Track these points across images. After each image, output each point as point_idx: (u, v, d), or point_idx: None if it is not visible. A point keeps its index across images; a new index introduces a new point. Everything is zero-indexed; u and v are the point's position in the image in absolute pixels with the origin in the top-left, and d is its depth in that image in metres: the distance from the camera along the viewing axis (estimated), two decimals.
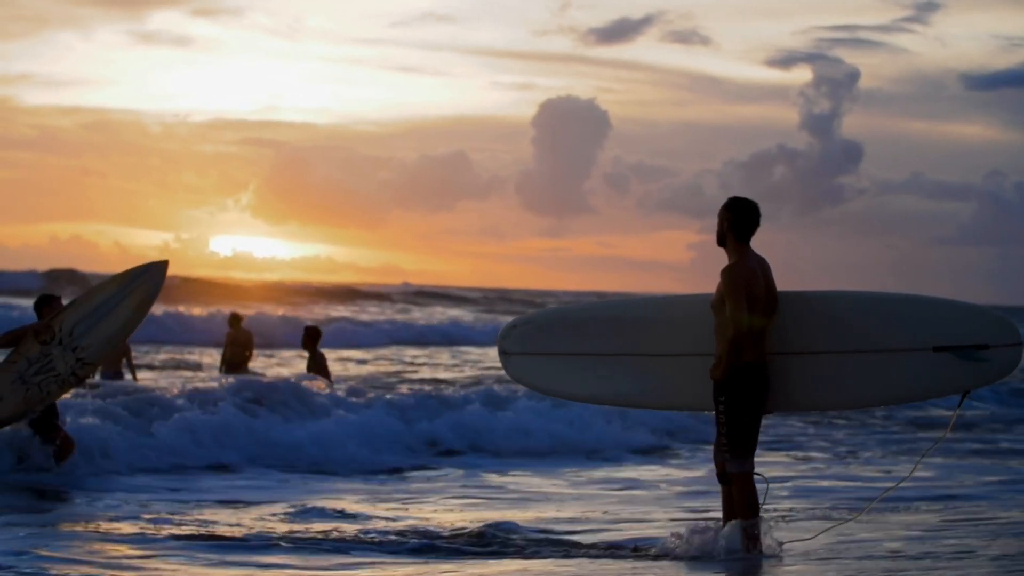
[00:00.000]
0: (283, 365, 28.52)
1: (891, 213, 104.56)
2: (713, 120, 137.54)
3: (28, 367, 11.10)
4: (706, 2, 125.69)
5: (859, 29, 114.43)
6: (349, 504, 10.42)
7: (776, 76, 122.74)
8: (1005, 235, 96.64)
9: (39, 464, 11.36)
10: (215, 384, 15.82)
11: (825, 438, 17.48)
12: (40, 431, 11.36)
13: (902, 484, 8.58)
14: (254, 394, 15.21)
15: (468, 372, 28.50)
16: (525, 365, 8.12)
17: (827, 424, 18.90)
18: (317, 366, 16.44)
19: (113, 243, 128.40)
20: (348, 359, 31.95)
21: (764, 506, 7.45)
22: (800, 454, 15.50)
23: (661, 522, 9.52)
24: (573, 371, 7.98)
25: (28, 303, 13.13)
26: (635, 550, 7.97)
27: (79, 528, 8.84)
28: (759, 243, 7.50)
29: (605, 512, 10.23)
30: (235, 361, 20.65)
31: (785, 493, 11.10)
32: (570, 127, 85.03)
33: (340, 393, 16.24)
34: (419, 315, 59.06)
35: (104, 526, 8.91)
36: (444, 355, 35.92)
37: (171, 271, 11.78)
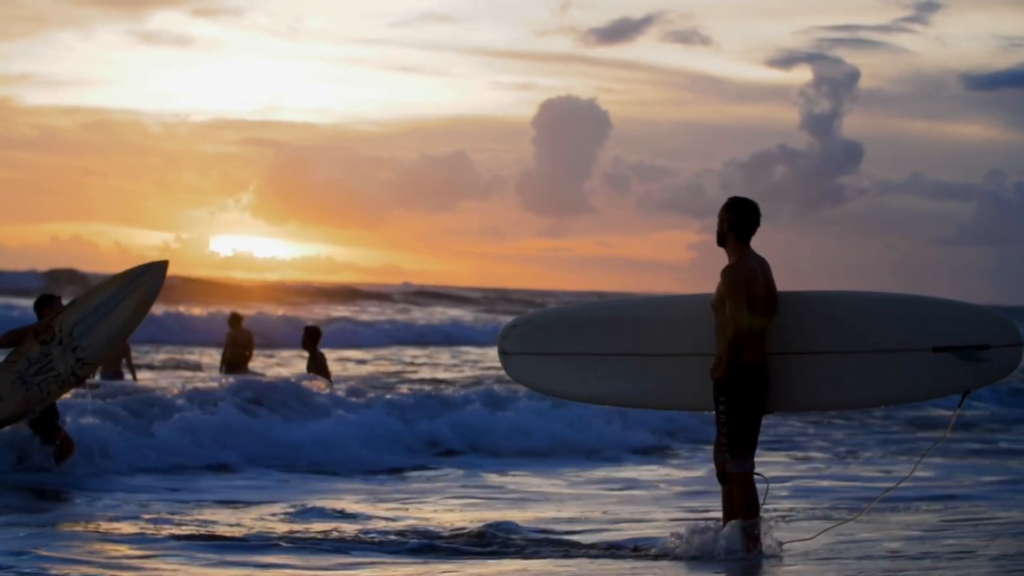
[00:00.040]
0: (283, 365, 28.52)
1: (891, 213, 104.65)
2: (713, 120, 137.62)
3: (28, 367, 11.10)
4: (706, 2, 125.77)
5: (859, 29, 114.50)
6: (349, 504, 10.42)
7: (776, 76, 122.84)
8: (1005, 235, 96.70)
9: (39, 464, 11.37)
10: (215, 384, 15.82)
11: (825, 438, 17.48)
12: (40, 431, 11.37)
13: (902, 484, 8.57)
14: (254, 394, 15.22)
15: (468, 372, 28.51)
16: (525, 365, 8.12)
17: (827, 424, 18.90)
18: (317, 366, 16.44)
19: (113, 243, 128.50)
20: (348, 359, 31.95)
21: (764, 506, 7.44)
22: (800, 454, 15.49)
23: (661, 522, 9.52)
24: (573, 371, 7.98)
25: (28, 303, 13.13)
26: (635, 550, 7.98)
27: (79, 528, 8.84)
28: (759, 243, 7.51)
29: (605, 512, 10.23)
30: (235, 361, 20.65)
31: (785, 493, 11.10)
32: (570, 127, 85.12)
33: (340, 393, 16.25)
34: (419, 315, 59.06)
35: (104, 526, 8.91)
36: (444, 355, 35.92)
37: (171, 271, 11.78)
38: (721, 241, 7.51)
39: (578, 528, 9.16)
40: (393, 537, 8.65)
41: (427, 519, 9.61)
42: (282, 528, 8.97)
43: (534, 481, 12.68)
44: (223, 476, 12.61)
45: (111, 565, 7.34)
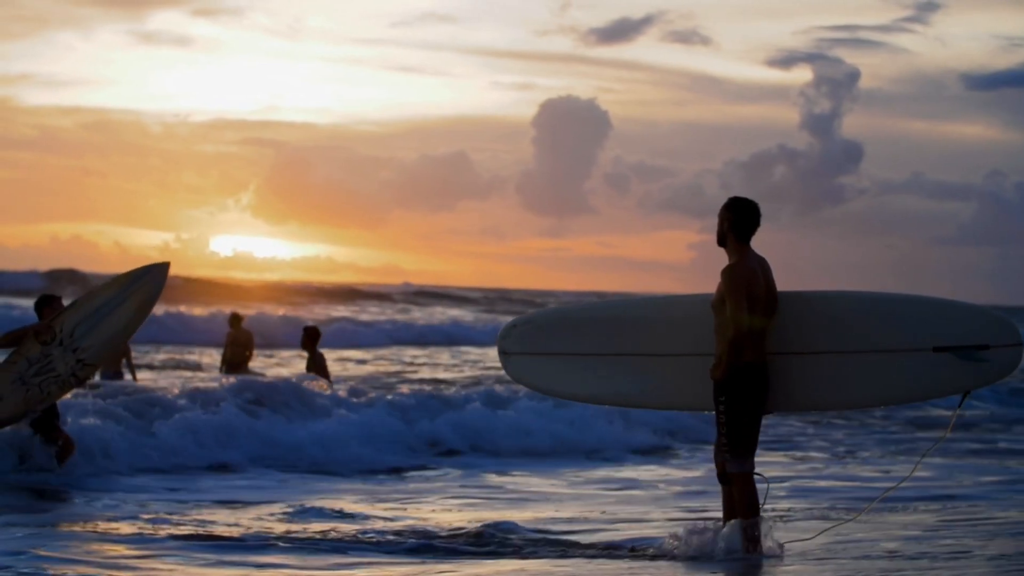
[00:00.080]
0: (283, 365, 28.52)
1: (891, 213, 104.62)
2: (713, 120, 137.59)
3: (28, 367, 11.10)
4: (706, 2, 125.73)
5: (859, 29, 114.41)
6: (348, 504, 10.42)
7: (776, 76, 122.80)
8: (1005, 235, 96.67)
9: (41, 464, 11.36)
10: (216, 384, 15.82)
11: (824, 438, 17.47)
12: (41, 432, 11.36)
13: (901, 484, 8.57)
14: (255, 394, 15.22)
15: (468, 372, 28.50)
16: (525, 365, 8.11)
17: (826, 424, 18.90)
18: (316, 366, 16.44)
19: (113, 243, 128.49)
20: (348, 359, 31.94)
21: (764, 506, 7.44)
22: (799, 454, 15.49)
23: (659, 522, 9.51)
24: (573, 371, 7.98)
25: (29, 303, 13.13)
26: (632, 550, 7.98)
27: (77, 528, 8.84)
28: (759, 243, 7.50)
29: (603, 512, 10.22)
30: (235, 361, 20.65)
31: (783, 493, 11.10)
32: (570, 127, 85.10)
33: (342, 393, 16.24)
34: (420, 315, 59.06)
35: (102, 526, 8.90)
36: (444, 355, 35.92)
37: (171, 271, 11.77)
38: (721, 241, 7.50)
39: (576, 528, 9.15)
40: (391, 537, 8.65)
41: (425, 519, 9.61)
42: (280, 528, 8.97)
43: (533, 481, 12.68)
44: (222, 476, 12.60)
45: (109, 565, 7.34)
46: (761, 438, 7.48)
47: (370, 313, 56.90)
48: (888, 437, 17.78)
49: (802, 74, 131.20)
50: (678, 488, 12.08)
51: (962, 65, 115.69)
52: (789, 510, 10.05)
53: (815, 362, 7.47)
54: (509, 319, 8.46)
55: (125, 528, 8.79)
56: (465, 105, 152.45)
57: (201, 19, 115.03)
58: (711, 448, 7.69)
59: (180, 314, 40.93)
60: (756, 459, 7.40)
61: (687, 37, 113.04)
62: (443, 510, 10.36)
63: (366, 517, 9.69)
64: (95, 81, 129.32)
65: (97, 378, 16.19)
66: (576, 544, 8.35)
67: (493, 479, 12.85)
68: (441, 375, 27.30)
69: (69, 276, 64.20)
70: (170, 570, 7.29)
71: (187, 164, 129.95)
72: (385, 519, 9.61)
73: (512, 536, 8.61)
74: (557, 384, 8.08)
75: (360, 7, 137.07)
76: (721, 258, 7.46)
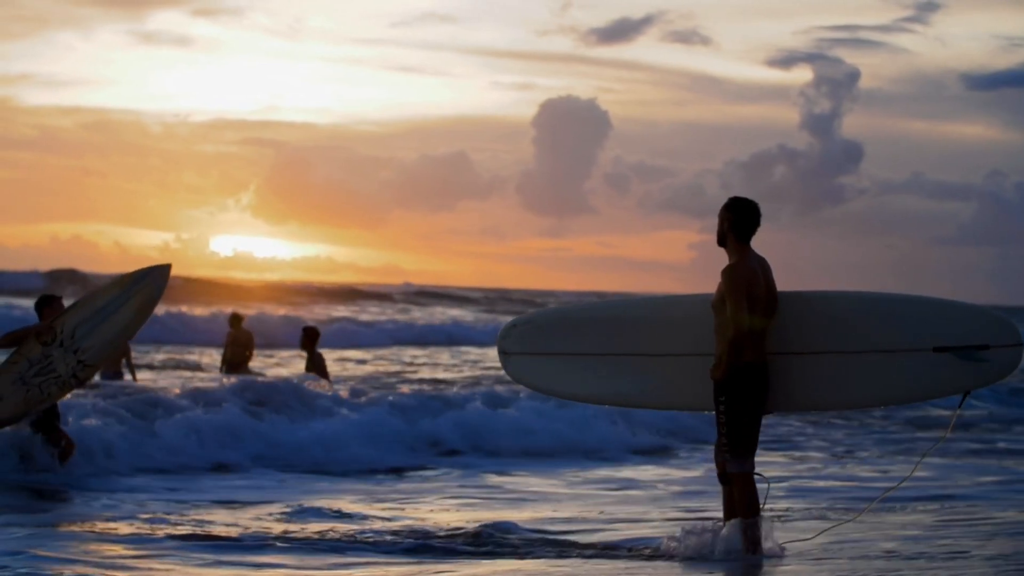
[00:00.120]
0: (283, 365, 28.52)
1: (891, 213, 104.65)
2: (714, 120, 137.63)
3: (29, 368, 11.11)
4: (706, 2, 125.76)
5: (859, 29, 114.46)
6: (346, 504, 10.42)
7: (776, 76, 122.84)
8: (1005, 235, 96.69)
9: (42, 465, 11.37)
10: (218, 384, 15.82)
11: (823, 438, 17.47)
12: (43, 432, 11.37)
13: (902, 484, 8.57)
14: (257, 395, 15.23)
15: (468, 372, 28.49)
16: (525, 365, 8.11)
17: (826, 424, 18.89)
18: (316, 367, 16.44)
19: (113, 243, 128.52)
20: (347, 359, 31.94)
21: (764, 506, 7.44)
22: (798, 454, 15.49)
23: (657, 522, 9.52)
24: (573, 371, 7.98)
25: (30, 303, 13.14)
26: (630, 550, 7.98)
27: (75, 528, 8.84)
28: (759, 243, 7.50)
29: (601, 512, 10.22)
30: (236, 361, 20.65)
31: (782, 493, 11.10)
32: (570, 127, 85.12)
33: (343, 394, 16.24)
34: (420, 315, 59.04)
35: (101, 526, 8.90)
36: (444, 355, 35.91)
37: (172, 271, 11.77)
38: (721, 241, 7.50)
39: (574, 528, 9.15)
40: (389, 537, 8.64)
41: (424, 519, 9.61)
42: (278, 528, 8.97)
43: (532, 481, 12.68)
44: (222, 476, 12.61)
45: (106, 565, 7.34)
46: (760, 438, 7.47)
47: (370, 313, 56.88)
48: (887, 437, 17.78)
49: (802, 74, 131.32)
50: (677, 488, 12.08)
51: (962, 65, 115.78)
52: (787, 510, 10.05)
53: (815, 362, 7.47)
54: (509, 319, 8.46)
55: (123, 528, 8.79)
56: (465, 105, 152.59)
57: (201, 19, 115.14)
58: (711, 448, 7.69)
59: (180, 314, 40.91)
60: (755, 459, 7.40)
61: (687, 37, 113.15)
62: (441, 510, 10.36)
63: (364, 517, 9.69)
64: (95, 81, 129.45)
65: (97, 378, 16.20)
66: (574, 544, 8.34)
67: (492, 479, 12.84)
68: (441, 375, 27.30)
69: (70, 276, 64.17)
70: (167, 570, 7.29)
71: (187, 164, 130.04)
72: (383, 519, 9.61)
73: (510, 536, 8.61)
74: (557, 384, 8.08)
75: (360, 7, 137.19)
76: (721, 258, 7.46)
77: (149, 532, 8.62)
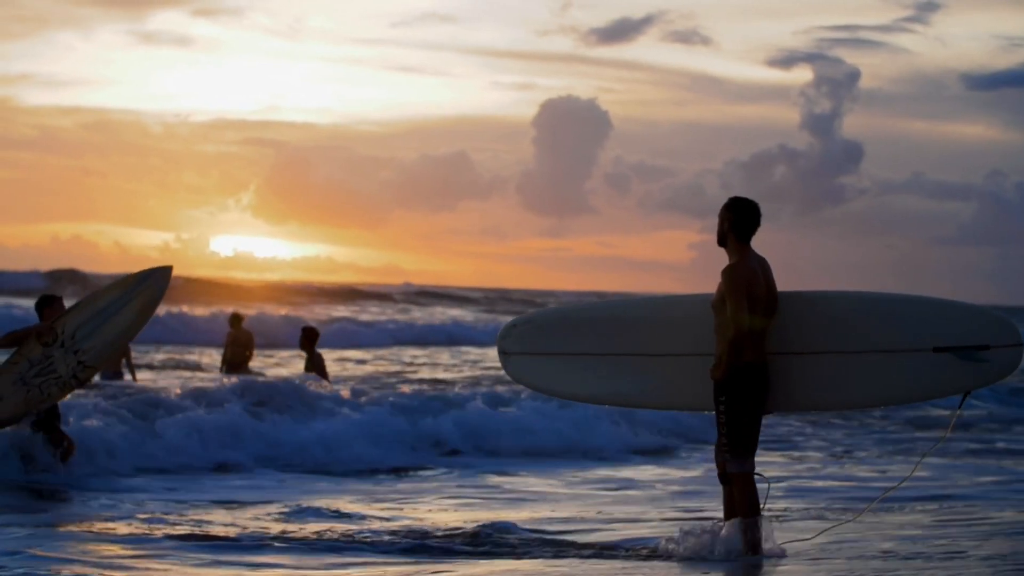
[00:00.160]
0: (283, 365, 28.52)
1: (891, 213, 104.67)
2: (714, 120, 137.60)
3: (29, 368, 11.11)
4: (707, 2, 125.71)
5: (859, 29, 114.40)
6: (345, 504, 10.42)
7: (777, 76, 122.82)
8: (1005, 235, 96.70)
9: (44, 465, 11.37)
10: (220, 385, 15.83)
11: (822, 438, 17.47)
12: (43, 432, 11.37)
13: (902, 484, 8.57)
14: (259, 395, 15.23)
15: (467, 372, 28.49)
16: (525, 365, 8.11)
17: (825, 424, 18.89)
18: (315, 367, 16.44)
19: (113, 243, 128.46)
20: (347, 359, 31.94)
21: (764, 506, 7.44)
22: (796, 454, 15.49)
23: (655, 522, 9.52)
24: (573, 371, 7.98)
25: (30, 303, 13.14)
26: (627, 551, 7.98)
27: (74, 528, 8.84)
28: (760, 243, 7.50)
29: (599, 512, 10.22)
30: (236, 361, 20.66)
31: (780, 493, 11.10)
32: (571, 127, 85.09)
33: (344, 394, 16.25)
34: (420, 315, 59.03)
35: (99, 526, 8.90)
36: (444, 355, 35.92)
37: (172, 271, 11.77)
38: (721, 241, 7.50)
39: (572, 528, 9.15)
40: (387, 537, 8.64)
41: (422, 519, 9.61)
42: (276, 528, 8.97)
43: (532, 481, 12.68)
44: (221, 476, 12.61)
45: (103, 565, 7.33)
46: (760, 438, 7.48)
47: (370, 313, 56.88)
48: (886, 437, 17.78)
49: (802, 74, 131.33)
50: (675, 488, 12.08)
51: (962, 65, 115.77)
52: (785, 510, 10.04)
53: (815, 362, 7.47)
54: (509, 319, 8.46)
55: (122, 528, 8.78)
56: (465, 105, 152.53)
57: (201, 19, 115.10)
58: (711, 448, 7.69)
59: (181, 314, 40.90)
60: (755, 459, 7.40)
61: (687, 37, 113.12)
62: (440, 510, 10.36)
63: (363, 517, 9.69)
64: (95, 81, 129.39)
65: (97, 378, 16.20)
66: (571, 544, 8.34)
67: (492, 479, 12.84)
68: (441, 375, 27.30)
69: (70, 276, 64.17)
70: (164, 570, 7.29)
71: (187, 164, 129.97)
72: (382, 519, 9.61)
73: (508, 536, 8.60)
74: (557, 384, 8.08)
75: (360, 7, 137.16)
76: (721, 258, 7.46)
77: (147, 532, 8.62)
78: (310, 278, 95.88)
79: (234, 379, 16.67)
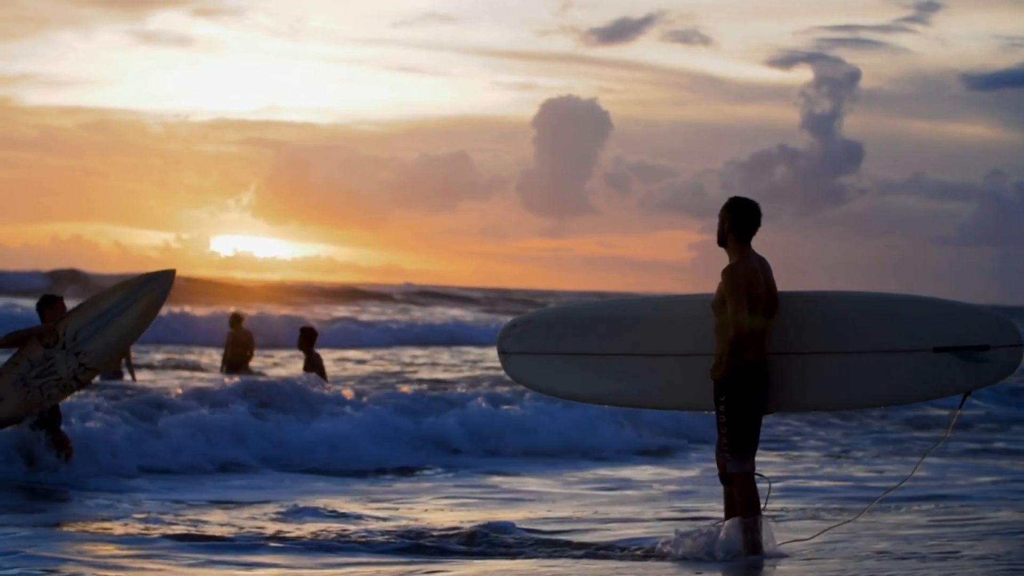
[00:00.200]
0: (283, 365, 28.52)
1: (892, 213, 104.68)
2: (714, 120, 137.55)
3: (30, 369, 11.12)
4: (707, 2, 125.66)
5: (860, 29, 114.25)
6: (342, 504, 10.42)
7: (777, 76, 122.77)
8: (1006, 235, 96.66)
9: (46, 465, 11.37)
10: (222, 385, 15.83)
11: (820, 437, 17.46)
12: (45, 433, 11.38)
13: (902, 484, 8.57)
14: (262, 395, 15.24)
15: (468, 372, 28.49)
16: (524, 365, 8.11)
17: (823, 424, 18.87)
18: (314, 367, 16.44)
19: (114, 243, 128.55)
20: (348, 359, 31.94)
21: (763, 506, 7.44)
22: (794, 453, 15.49)
23: (651, 522, 9.52)
24: (573, 371, 7.98)
25: (31, 303, 13.15)
26: (622, 551, 7.98)
27: (71, 528, 8.83)
28: (760, 243, 7.50)
29: (596, 512, 10.22)
30: (236, 361, 20.65)
31: (777, 493, 11.09)
32: (571, 127, 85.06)
33: (346, 394, 16.25)
34: (420, 315, 59.02)
35: (96, 526, 8.90)
36: (445, 355, 35.91)
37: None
38: (722, 241, 7.50)
39: (568, 528, 9.15)
40: (382, 537, 8.62)
41: (418, 519, 9.60)
42: (273, 528, 8.96)
43: (529, 481, 12.67)
44: (220, 476, 12.61)
45: (98, 565, 7.33)
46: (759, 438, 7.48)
47: (371, 313, 56.87)
48: (885, 437, 17.77)
49: (802, 74, 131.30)
50: (672, 488, 12.07)
51: (962, 65, 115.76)
52: (782, 510, 10.02)
53: (815, 362, 7.48)
54: (509, 319, 8.46)
55: (118, 528, 8.78)
56: (465, 105, 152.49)
57: (201, 19, 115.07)
58: (710, 448, 7.69)
59: (181, 314, 40.87)
60: (755, 459, 7.40)
61: (687, 37, 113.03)
62: (436, 510, 10.35)
63: (359, 517, 9.68)
64: (95, 81, 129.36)
65: (97, 378, 16.21)
66: (567, 544, 8.34)
67: (490, 479, 12.84)
68: (441, 375, 27.30)
69: (71, 276, 64.13)
70: (159, 570, 7.28)
71: (188, 164, 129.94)
72: (378, 519, 9.60)
73: (504, 536, 8.59)
74: (557, 384, 8.08)
75: (360, 7, 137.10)
76: (722, 258, 7.46)
77: (144, 532, 8.62)
78: (310, 278, 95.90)
79: (236, 379, 16.68)
